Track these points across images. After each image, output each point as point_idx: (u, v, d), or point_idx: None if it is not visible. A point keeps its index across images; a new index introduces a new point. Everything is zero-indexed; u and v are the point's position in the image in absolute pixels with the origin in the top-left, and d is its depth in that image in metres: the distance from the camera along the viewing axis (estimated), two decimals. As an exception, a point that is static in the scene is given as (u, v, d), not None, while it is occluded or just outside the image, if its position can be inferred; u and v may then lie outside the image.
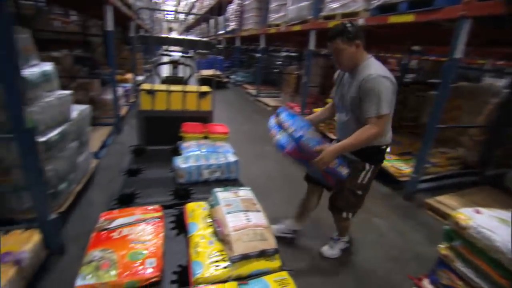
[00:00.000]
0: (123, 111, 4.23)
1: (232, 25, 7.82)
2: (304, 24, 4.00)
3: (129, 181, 1.69)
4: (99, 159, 2.80)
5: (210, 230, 1.18)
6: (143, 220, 1.20)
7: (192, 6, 15.77)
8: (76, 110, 2.12)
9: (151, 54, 5.83)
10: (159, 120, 2.34)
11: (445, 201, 2.45)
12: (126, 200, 1.44)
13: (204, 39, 2.67)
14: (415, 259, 1.93)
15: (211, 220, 1.23)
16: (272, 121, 1.65)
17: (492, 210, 1.33)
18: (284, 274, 1.05)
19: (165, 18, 9.17)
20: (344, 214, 1.66)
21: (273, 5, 5.18)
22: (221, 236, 1.12)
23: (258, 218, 1.18)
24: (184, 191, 1.55)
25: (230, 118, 4.96)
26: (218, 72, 7.01)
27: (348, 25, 1.40)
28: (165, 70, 2.84)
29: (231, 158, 1.80)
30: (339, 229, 1.83)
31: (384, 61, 8.54)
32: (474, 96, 3.32)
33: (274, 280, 1.01)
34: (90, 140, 2.43)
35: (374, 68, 1.37)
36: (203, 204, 1.34)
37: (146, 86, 2.34)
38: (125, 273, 0.94)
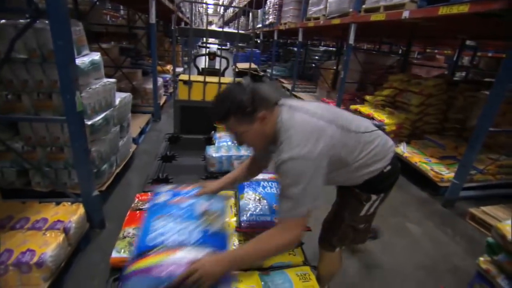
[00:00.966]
0: (162, 100, 4.44)
1: (271, 19, 7.76)
2: (344, 17, 3.84)
3: (163, 167, 1.79)
4: (138, 144, 2.98)
5: (234, 219, 1.24)
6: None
7: (232, -1, 15.94)
8: (119, 97, 2.27)
9: (190, 47, 6.03)
10: (194, 109, 2.43)
11: (492, 212, 2.22)
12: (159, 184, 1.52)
13: (241, 32, 2.69)
14: (451, 271, 1.79)
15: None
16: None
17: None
18: (306, 269, 1.05)
19: (205, 12, 9.40)
20: (337, 250, 1.27)
21: (313, -2, 5.03)
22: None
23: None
24: (214, 180, 1.60)
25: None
26: (254, 66, 7.05)
27: (238, 92, 0.91)
28: (203, 62, 2.93)
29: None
30: (323, 273, 1.32)
31: (431, 58, 7.94)
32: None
33: (296, 274, 1.01)
34: (130, 126, 2.60)
35: (288, 143, 0.87)
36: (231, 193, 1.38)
37: (183, 76, 2.43)
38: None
